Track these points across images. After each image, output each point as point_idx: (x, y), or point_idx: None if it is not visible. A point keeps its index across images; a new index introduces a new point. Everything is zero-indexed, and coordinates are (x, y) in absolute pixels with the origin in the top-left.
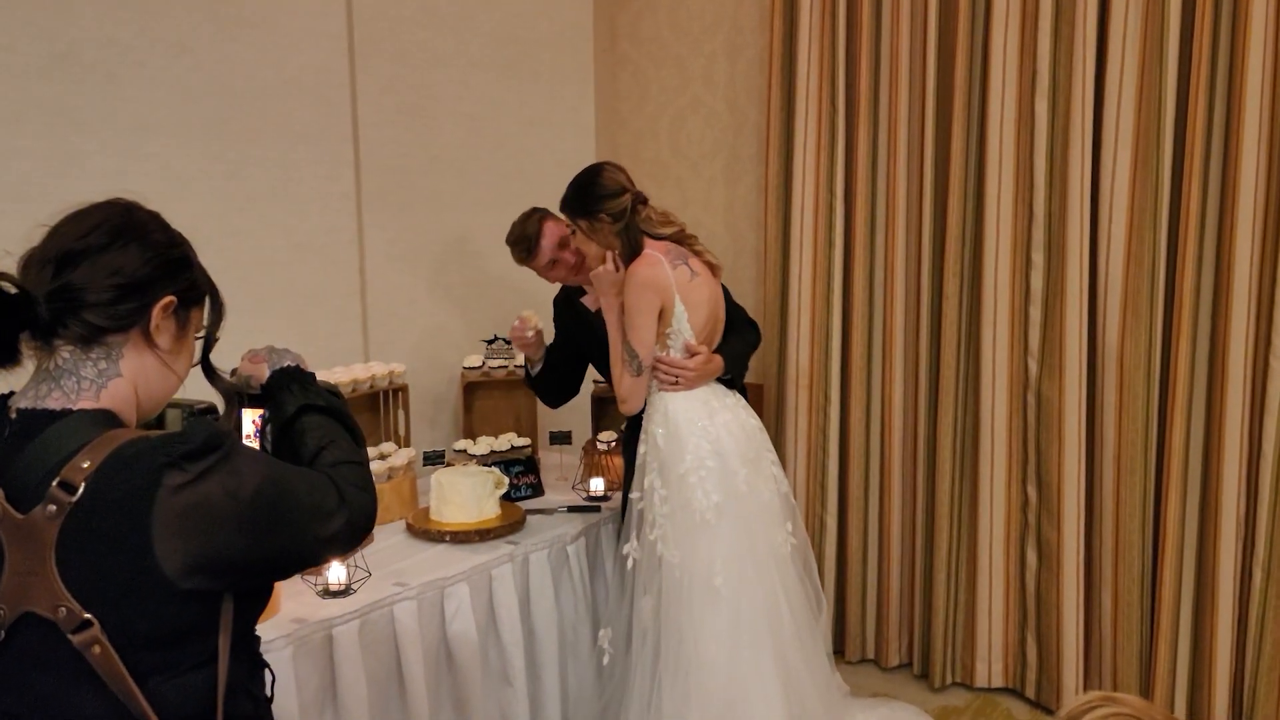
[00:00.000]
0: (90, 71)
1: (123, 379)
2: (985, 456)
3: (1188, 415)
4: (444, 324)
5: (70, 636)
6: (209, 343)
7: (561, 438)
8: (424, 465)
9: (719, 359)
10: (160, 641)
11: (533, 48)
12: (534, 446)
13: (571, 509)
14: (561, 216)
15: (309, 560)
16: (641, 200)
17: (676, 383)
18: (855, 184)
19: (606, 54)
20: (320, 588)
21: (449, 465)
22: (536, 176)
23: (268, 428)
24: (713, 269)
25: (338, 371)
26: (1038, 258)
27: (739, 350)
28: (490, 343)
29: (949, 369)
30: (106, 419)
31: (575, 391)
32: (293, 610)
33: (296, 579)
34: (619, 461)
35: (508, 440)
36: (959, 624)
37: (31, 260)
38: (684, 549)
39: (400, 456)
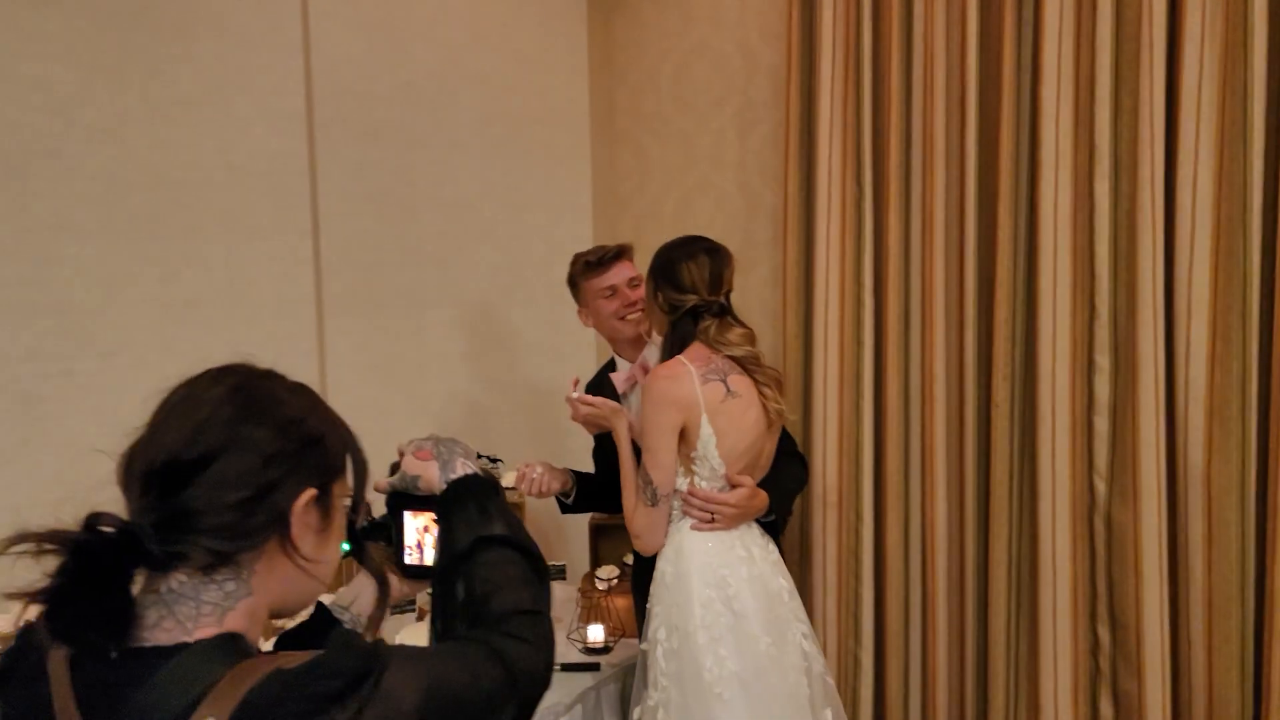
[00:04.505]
0: None
1: (253, 598)
2: (1046, 590)
3: None
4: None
5: None
6: (355, 508)
7: (555, 572)
8: (392, 614)
9: (764, 496)
10: None
11: (522, 125)
12: None
13: (565, 667)
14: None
15: None
16: (714, 313)
17: (713, 520)
18: (886, 274)
19: (604, 131)
20: None
21: (421, 616)
22: (528, 267)
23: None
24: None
25: None
26: (1103, 360)
27: (787, 487)
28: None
29: (1001, 486)
30: (229, 648)
31: None
32: None
33: None
34: (623, 603)
35: None
36: None
37: (133, 467)
38: None
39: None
